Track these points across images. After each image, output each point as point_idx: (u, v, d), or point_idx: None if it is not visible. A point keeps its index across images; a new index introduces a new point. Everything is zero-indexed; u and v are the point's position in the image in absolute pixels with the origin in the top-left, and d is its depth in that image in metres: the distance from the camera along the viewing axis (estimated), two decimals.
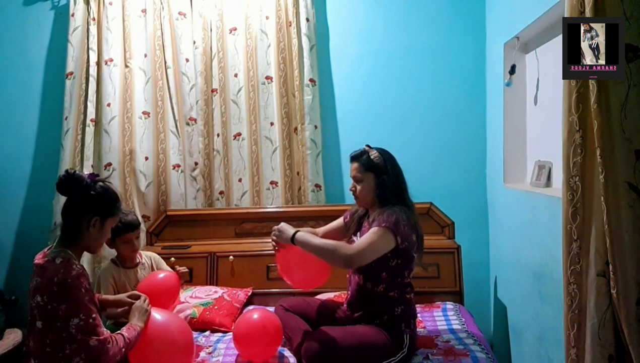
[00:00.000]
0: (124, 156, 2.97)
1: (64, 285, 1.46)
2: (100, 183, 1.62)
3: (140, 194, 2.98)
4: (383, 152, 1.98)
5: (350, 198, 2.20)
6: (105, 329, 1.54)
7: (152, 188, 3.00)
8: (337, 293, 2.48)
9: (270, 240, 2.78)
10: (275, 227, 1.98)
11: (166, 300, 2.08)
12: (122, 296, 1.80)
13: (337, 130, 3.05)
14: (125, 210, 2.16)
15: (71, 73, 2.96)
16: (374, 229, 1.82)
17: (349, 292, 2.08)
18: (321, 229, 2.22)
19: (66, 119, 2.96)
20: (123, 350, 1.56)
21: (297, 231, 1.91)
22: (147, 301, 1.76)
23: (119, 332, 1.59)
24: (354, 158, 1.99)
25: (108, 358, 1.50)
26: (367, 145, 2.00)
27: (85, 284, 1.50)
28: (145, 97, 2.99)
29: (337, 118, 3.05)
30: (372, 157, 1.94)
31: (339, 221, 2.20)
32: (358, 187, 1.97)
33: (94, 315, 1.50)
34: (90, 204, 1.58)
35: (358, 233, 2.07)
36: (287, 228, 1.94)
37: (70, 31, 2.96)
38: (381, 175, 1.92)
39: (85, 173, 1.62)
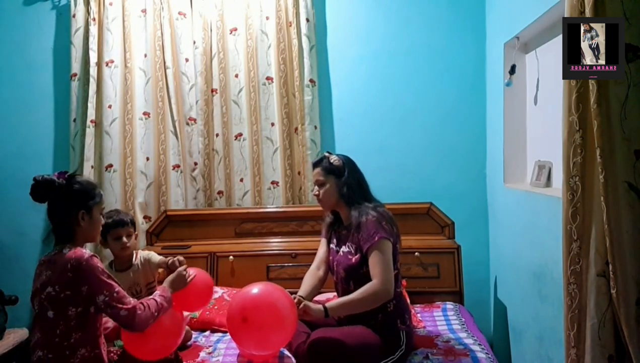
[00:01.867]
0: (125, 157, 2.98)
1: (79, 267, 1.51)
2: (76, 178, 1.64)
3: (142, 195, 2.99)
4: (342, 156, 2.07)
5: None
6: (131, 298, 1.59)
7: (153, 189, 3.01)
8: (335, 294, 2.48)
9: (270, 241, 2.84)
10: (302, 311, 1.84)
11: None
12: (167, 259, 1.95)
13: (337, 130, 3.05)
14: (121, 211, 2.22)
15: (75, 74, 2.97)
16: (373, 253, 1.85)
17: None
18: (314, 265, 2.16)
19: (74, 120, 2.98)
20: (155, 314, 1.61)
21: (325, 307, 1.84)
22: (186, 270, 1.86)
23: (151, 296, 1.66)
24: (315, 164, 2.08)
25: (141, 323, 1.56)
26: (328, 152, 2.09)
27: (98, 263, 1.56)
28: (145, 98, 3.00)
29: (337, 118, 3.05)
30: (331, 161, 2.03)
31: (323, 244, 2.19)
32: (321, 190, 2.02)
33: (117, 289, 1.55)
34: (72, 201, 1.60)
35: (334, 240, 2.09)
36: (316, 309, 1.83)
37: (73, 32, 2.97)
38: (341, 176, 2.00)
39: (52, 174, 1.63)
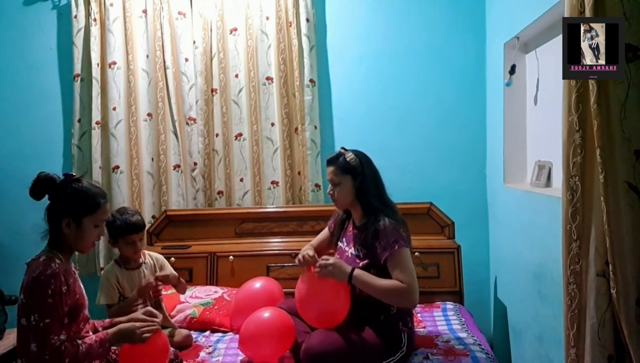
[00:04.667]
0: (131, 159, 3.00)
1: (36, 280, 1.47)
2: (74, 184, 1.59)
3: (150, 195, 3.01)
4: (359, 154, 1.97)
5: None
6: (58, 338, 1.46)
7: (157, 189, 3.04)
8: None
9: (270, 241, 2.84)
10: (327, 259, 1.84)
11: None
12: (137, 314, 1.74)
13: (337, 130, 3.05)
14: (131, 211, 2.16)
15: (78, 75, 2.98)
16: (395, 261, 1.79)
17: None
18: (312, 244, 2.18)
19: (79, 121, 2.99)
20: (67, 360, 1.46)
21: (354, 269, 1.82)
22: (154, 324, 1.67)
23: (84, 340, 1.54)
24: (330, 161, 1.97)
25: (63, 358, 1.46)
26: (342, 148, 2.00)
27: (55, 286, 1.47)
28: (148, 99, 3.01)
29: (337, 118, 3.05)
30: (347, 159, 1.92)
31: (325, 232, 2.20)
32: (336, 190, 1.95)
33: (47, 320, 1.45)
34: (61, 206, 1.56)
35: (344, 238, 2.07)
36: (343, 266, 1.82)
37: (74, 33, 2.98)
38: (358, 176, 1.91)
39: (58, 174, 1.60)
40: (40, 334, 1.45)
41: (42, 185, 1.57)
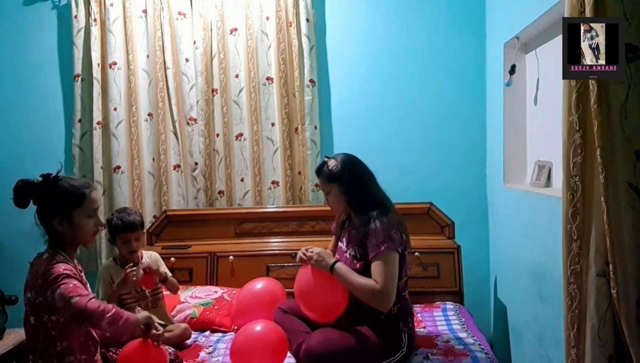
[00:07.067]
0: (132, 159, 3.00)
1: (46, 274, 1.46)
2: (53, 183, 1.57)
3: (151, 195, 3.02)
4: (342, 158, 1.98)
5: None
6: (89, 292, 1.48)
7: (158, 189, 3.04)
8: None
9: (270, 241, 2.84)
10: (313, 249, 1.93)
11: None
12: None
13: (337, 130, 3.05)
14: (131, 210, 2.18)
15: (78, 75, 2.99)
16: (378, 262, 1.80)
17: None
18: (329, 247, 2.24)
19: (80, 121, 3.00)
20: (103, 312, 1.43)
21: (337, 261, 1.89)
22: (159, 332, 1.64)
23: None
24: (317, 173, 2.01)
25: (88, 312, 1.42)
26: (326, 156, 2.02)
27: (66, 268, 1.48)
28: (149, 99, 3.01)
29: (337, 118, 3.05)
30: (330, 167, 1.95)
31: (332, 242, 2.24)
32: (328, 198, 1.99)
33: (74, 282, 1.45)
34: (46, 207, 1.56)
35: (344, 239, 2.08)
36: (327, 256, 1.90)
37: (74, 33, 2.98)
38: (343, 182, 1.93)
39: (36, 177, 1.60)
40: (72, 292, 1.42)
41: (22, 193, 1.56)
